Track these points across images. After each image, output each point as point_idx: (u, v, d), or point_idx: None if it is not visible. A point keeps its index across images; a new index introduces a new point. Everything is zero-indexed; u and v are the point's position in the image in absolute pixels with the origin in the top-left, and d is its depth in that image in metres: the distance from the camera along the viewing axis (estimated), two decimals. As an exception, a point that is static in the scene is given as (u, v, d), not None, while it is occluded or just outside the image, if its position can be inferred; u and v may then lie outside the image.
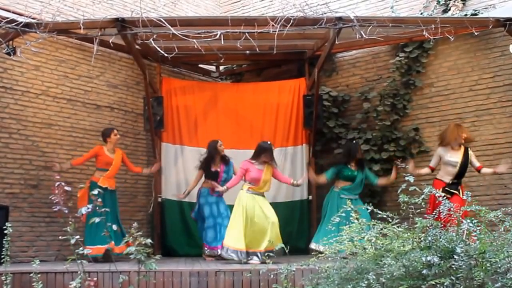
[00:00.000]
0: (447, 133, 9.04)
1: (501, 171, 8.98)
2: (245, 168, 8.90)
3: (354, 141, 10.22)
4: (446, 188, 8.64)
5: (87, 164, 9.91)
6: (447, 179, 8.87)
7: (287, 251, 7.82)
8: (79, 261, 5.49)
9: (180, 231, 11.11)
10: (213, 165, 9.77)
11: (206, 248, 9.74)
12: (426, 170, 9.26)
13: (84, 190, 8.95)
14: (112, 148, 9.63)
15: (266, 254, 8.17)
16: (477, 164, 8.94)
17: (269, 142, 9.09)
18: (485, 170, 8.96)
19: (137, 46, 9.95)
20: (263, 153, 8.92)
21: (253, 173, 8.86)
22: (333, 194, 9.69)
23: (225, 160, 9.88)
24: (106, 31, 8.64)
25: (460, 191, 8.76)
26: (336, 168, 9.79)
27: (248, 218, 8.68)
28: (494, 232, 4.91)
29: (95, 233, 8.82)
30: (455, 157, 8.88)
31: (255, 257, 8.55)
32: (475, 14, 10.11)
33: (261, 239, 8.65)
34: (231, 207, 9.96)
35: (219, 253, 9.19)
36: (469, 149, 8.99)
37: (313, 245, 9.30)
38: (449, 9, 10.48)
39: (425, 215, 5.22)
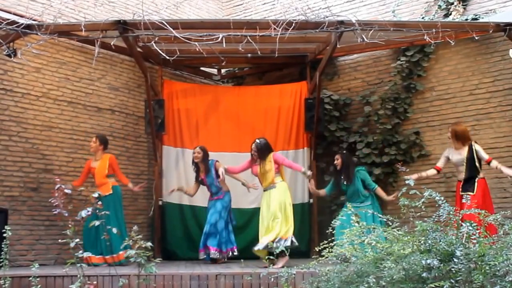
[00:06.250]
0: (449, 135, 9.14)
1: (506, 173, 8.79)
2: (246, 165, 9.29)
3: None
4: (462, 193, 8.62)
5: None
6: (461, 177, 8.86)
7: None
8: (78, 265, 5.47)
9: (181, 234, 11.10)
10: (200, 174, 9.88)
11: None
12: (432, 171, 9.21)
13: None
14: (99, 156, 9.67)
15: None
16: (486, 157, 8.78)
17: (257, 140, 9.09)
18: (493, 163, 8.74)
19: (138, 49, 9.98)
20: (252, 152, 9.12)
21: (253, 169, 9.13)
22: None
23: (205, 164, 9.86)
24: (107, 34, 8.66)
25: (476, 187, 8.68)
26: (333, 182, 9.84)
27: (262, 217, 8.99)
28: (493, 235, 4.91)
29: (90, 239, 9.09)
30: (460, 155, 8.87)
31: None
32: (476, 19, 10.12)
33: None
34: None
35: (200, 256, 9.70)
36: (473, 143, 8.86)
37: None
38: (450, 14, 10.48)
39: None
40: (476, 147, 8.86)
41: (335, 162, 9.66)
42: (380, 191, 9.63)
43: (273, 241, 8.40)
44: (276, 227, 8.66)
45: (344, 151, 10.19)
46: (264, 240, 8.63)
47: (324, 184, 11.07)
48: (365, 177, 9.60)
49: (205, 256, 9.63)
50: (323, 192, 9.99)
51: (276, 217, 8.69)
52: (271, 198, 8.84)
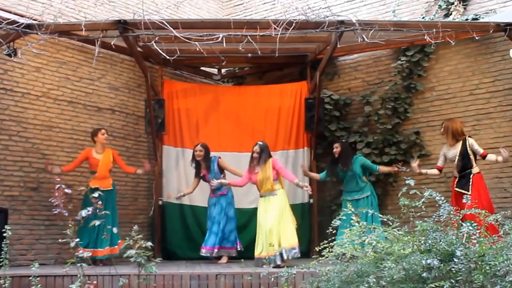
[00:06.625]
0: None
1: (505, 158, 8.72)
2: (248, 177, 9.11)
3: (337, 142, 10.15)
4: (456, 189, 8.74)
5: (87, 166, 9.88)
6: (456, 173, 8.91)
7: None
8: (78, 264, 5.46)
9: (181, 234, 11.09)
10: (201, 170, 9.88)
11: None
12: (434, 171, 9.29)
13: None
14: (101, 149, 9.72)
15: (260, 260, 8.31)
16: (481, 151, 8.82)
17: (260, 143, 9.07)
18: (490, 156, 8.79)
19: (139, 49, 9.98)
20: (251, 160, 9.08)
21: (253, 177, 9.00)
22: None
23: (207, 162, 9.88)
24: (108, 33, 8.65)
25: (471, 184, 8.69)
26: (328, 170, 9.83)
27: (260, 224, 8.86)
28: (493, 235, 4.91)
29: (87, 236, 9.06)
30: (453, 150, 8.93)
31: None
32: (476, 19, 10.12)
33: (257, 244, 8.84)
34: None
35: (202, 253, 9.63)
36: (467, 138, 8.90)
37: None
38: (451, 14, 10.48)
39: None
40: (470, 141, 8.90)
41: (334, 150, 9.70)
42: (383, 168, 9.85)
43: (280, 252, 8.47)
44: (275, 236, 8.63)
45: (344, 140, 10.26)
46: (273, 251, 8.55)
47: (325, 183, 11.08)
48: (364, 162, 9.74)
49: (208, 254, 9.61)
50: (317, 176, 10.01)
51: (275, 227, 8.63)
52: (271, 205, 8.77)
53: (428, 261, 4.34)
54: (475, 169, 8.80)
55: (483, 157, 8.82)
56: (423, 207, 4.99)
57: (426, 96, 10.77)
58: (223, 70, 12.83)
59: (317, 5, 11.23)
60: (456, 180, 8.87)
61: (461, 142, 8.88)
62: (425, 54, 10.69)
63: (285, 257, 8.39)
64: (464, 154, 8.81)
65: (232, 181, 9.42)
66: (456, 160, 8.83)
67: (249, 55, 10.70)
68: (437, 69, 10.69)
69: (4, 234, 6.51)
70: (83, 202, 9.09)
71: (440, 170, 9.22)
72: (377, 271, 4.79)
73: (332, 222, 5.86)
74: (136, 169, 10.15)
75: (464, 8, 10.45)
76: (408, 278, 4.51)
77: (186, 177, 11.04)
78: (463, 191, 8.52)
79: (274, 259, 8.35)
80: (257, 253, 8.72)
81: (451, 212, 4.93)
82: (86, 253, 5.54)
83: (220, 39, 8.05)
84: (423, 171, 9.35)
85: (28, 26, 8.22)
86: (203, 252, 9.60)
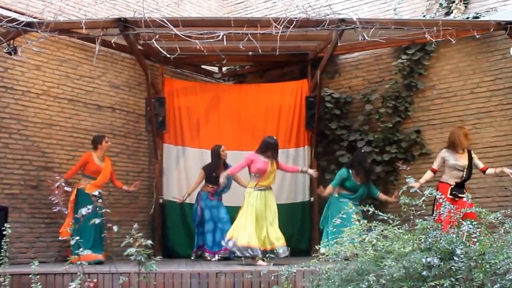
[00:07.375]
0: (454, 137, 8.94)
1: (507, 172, 8.74)
2: (250, 159, 8.87)
3: (362, 151, 10.16)
4: (454, 192, 8.72)
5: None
6: (452, 182, 8.84)
7: (286, 253, 7.97)
8: (78, 263, 5.46)
9: (181, 232, 11.10)
10: (216, 171, 9.81)
11: (206, 253, 9.83)
12: (429, 174, 9.09)
13: (72, 200, 9.01)
14: (102, 156, 9.64)
15: (266, 255, 8.23)
16: (481, 165, 8.93)
17: (275, 138, 9.03)
18: (489, 171, 8.89)
19: (139, 47, 9.98)
20: (269, 149, 8.89)
21: (259, 164, 8.80)
22: (333, 199, 9.66)
23: (225, 166, 9.90)
24: (108, 31, 8.62)
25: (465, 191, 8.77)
26: (341, 176, 9.71)
27: (257, 216, 8.69)
28: (494, 234, 4.90)
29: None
30: (461, 160, 8.85)
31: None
32: (477, 17, 10.10)
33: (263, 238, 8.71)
34: (230, 208, 10.02)
35: (219, 258, 9.64)
36: (472, 151, 8.97)
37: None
38: (451, 12, 10.48)
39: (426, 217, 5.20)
40: (473, 154, 8.98)
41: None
42: (382, 196, 9.87)
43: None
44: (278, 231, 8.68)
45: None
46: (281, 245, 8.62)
47: (326, 182, 11.04)
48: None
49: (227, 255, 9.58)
50: (330, 189, 9.87)
51: (276, 221, 8.70)
52: (271, 199, 8.83)
53: (428, 259, 4.34)
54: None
55: (484, 171, 8.91)
56: (423, 205, 4.99)
57: (427, 95, 10.76)
58: (223, 69, 12.84)
59: (318, 3, 11.20)
60: (451, 187, 8.81)
61: (467, 153, 8.90)
62: (426, 52, 10.68)
63: (282, 255, 8.42)
64: (470, 166, 8.87)
65: (230, 170, 9.31)
66: (465, 171, 8.82)
67: (250, 53, 10.69)
68: (438, 68, 10.68)
69: (4, 232, 6.49)
70: (78, 203, 8.95)
71: (435, 172, 9.12)
72: (377, 269, 4.78)
73: (333, 220, 5.86)
74: (123, 186, 10.02)
75: (465, 7, 10.45)
76: (408, 276, 4.50)
77: (187, 175, 11.06)
78: (460, 195, 8.62)
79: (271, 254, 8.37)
80: (244, 242, 8.55)
81: (452, 211, 4.93)
82: (86, 252, 5.55)
83: (220, 37, 8.03)
84: (422, 181, 8.89)
85: (28, 24, 8.20)
86: (222, 253, 9.62)
